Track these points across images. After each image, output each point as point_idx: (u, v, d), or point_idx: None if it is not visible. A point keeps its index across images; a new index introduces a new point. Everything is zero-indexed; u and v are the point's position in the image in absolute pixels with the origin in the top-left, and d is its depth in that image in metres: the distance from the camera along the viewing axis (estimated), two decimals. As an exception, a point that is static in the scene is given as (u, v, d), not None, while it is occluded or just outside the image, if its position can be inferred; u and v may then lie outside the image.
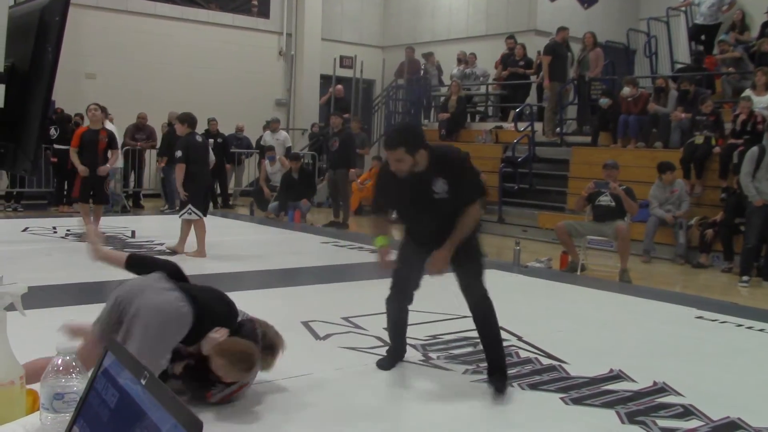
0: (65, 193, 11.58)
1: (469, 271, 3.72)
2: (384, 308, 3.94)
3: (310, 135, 15.09)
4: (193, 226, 7.37)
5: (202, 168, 7.26)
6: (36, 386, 1.46)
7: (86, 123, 8.56)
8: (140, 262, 3.40)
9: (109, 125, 9.24)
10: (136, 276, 3.28)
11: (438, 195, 3.56)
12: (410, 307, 3.92)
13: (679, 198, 8.72)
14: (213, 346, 3.01)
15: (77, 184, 8.25)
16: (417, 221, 3.80)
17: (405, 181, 3.60)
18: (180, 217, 7.30)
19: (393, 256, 3.83)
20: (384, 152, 4.12)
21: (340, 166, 10.78)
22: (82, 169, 7.97)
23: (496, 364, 3.69)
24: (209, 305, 3.10)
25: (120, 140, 10.16)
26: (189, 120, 7.22)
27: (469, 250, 3.71)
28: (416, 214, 3.75)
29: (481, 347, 4.29)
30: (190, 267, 6.43)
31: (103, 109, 8.26)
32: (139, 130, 12.46)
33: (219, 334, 3.06)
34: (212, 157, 7.97)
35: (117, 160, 8.79)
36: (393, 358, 3.98)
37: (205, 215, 7.38)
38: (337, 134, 10.73)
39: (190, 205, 7.13)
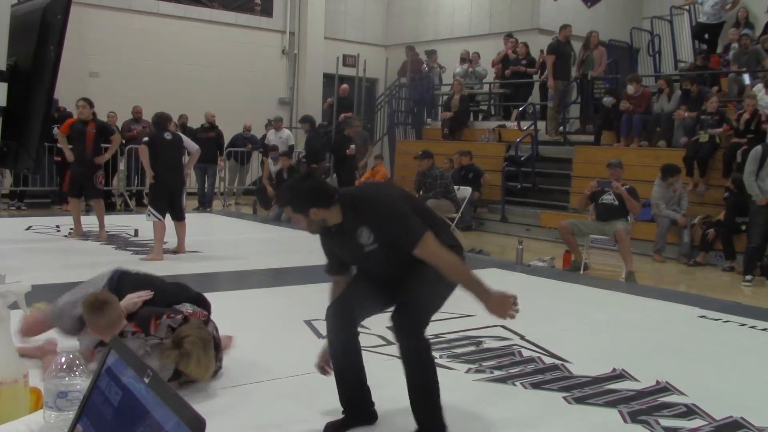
0: (66, 190, 11.61)
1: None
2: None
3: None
4: (175, 226, 7.14)
5: (166, 168, 6.95)
6: (40, 384, 1.46)
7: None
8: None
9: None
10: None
11: (368, 248, 2.85)
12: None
13: (679, 197, 8.71)
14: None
15: (66, 177, 8.20)
16: (371, 272, 3.06)
17: (336, 237, 2.93)
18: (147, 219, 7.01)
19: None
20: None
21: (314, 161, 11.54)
22: (69, 155, 8.04)
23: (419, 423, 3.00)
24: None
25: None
26: (157, 120, 7.28)
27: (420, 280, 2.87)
28: (364, 268, 3.08)
29: (484, 346, 4.31)
30: (185, 267, 6.51)
31: (91, 104, 8.29)
32: (136, 122, 12.44)
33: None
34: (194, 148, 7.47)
35: (115, 147, 8.83)
36: (345, 423, 3.03)
37: (170, 217, 7.05)
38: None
39: (149, 207, 6.97)
